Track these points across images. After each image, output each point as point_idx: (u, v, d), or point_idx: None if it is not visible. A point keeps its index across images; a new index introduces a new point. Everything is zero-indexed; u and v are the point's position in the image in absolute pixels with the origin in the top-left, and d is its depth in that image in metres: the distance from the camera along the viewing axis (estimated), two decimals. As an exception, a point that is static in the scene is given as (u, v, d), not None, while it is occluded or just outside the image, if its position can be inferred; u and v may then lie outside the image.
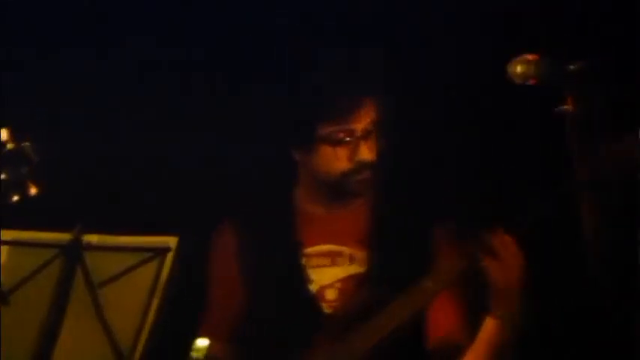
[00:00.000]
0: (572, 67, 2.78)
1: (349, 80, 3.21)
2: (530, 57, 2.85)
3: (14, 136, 2.94)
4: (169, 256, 3.24)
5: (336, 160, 3.24)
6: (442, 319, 3.26)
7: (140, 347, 3.31)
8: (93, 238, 3.25)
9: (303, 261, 3.33)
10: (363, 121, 3.21)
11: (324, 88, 3.19)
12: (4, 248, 3.21)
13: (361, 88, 3.22)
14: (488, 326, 3.10)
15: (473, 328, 3.20)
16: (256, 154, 3.62)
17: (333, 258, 3.37)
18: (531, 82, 2.85)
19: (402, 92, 3.42)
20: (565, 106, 2.76)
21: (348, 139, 3.22)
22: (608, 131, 2.86)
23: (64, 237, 3.23)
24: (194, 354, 3.28)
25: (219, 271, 3.45)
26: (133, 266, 3.29)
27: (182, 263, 3.12)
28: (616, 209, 2.76)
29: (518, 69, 2.85)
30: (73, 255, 3.22)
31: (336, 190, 3.29)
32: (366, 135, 3.22)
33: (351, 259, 3.33)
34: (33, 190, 2.99)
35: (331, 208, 3.36)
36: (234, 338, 3.42)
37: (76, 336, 3.32)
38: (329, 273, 3.35)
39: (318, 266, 3.36)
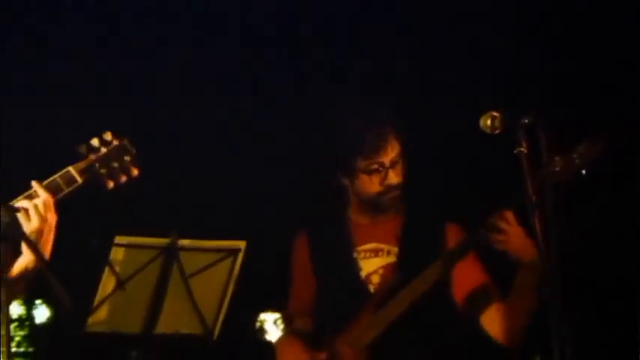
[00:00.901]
0: (526, 119, 3.42)
1: (377, 125, 3.96)
2: (495, 113, 3.50)
3: (115, 135, 3.49)
4: (240, 255, 4.09)
5: (371, 184, 3.97)
6: (467, 278, 3.93)
7: (220, 320, 4.17)
8: (185, 242, 4.09)
9: (355, 255, 4.05)
10: (389, 155, 3.94)
11: (359, 132, 3.93)
12: (121, 249, 4.03)
13: (386, 131, 3.96)
14: (521, 273, 3.78)
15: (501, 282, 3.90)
16: (322, 180, 4.27)
17: (376, 252, 4.07)
18: (497, 131, 3.48)
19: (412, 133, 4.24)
20: (520, 149, 3.40)
21: (379, 169, 3.95)
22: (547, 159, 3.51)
23: (164, 241, 4.07)
24: (258, 324, 4.09)
25: (298, 264, 4.16)
26: (213, 262, 4.12)
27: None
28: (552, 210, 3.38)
29: (488, 122, 3.50)
30: (171, 254, 4.06)
31: (374, 205, 4.03)
32: (392, 165, 3.95)
33: (388, 253, 4.05)
34: (135, 172, 3.50)
35: (373, 218, 4.08)
36: (311, 313, 4.10)
37: (174, 312, 4.17)
38: (373, 263, 4.06)
39: (366, 258, 4.07)
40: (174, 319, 4.26)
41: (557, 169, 3.66)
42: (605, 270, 5.05)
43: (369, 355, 3.88)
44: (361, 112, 4.01)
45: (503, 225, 3.74)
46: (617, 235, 4.95)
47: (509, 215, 3.74)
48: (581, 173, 3.74)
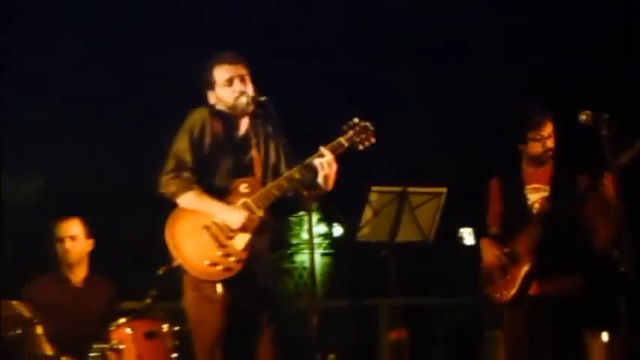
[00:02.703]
0: (606, 115, 5.02)
1: (538, 112, 5.80)
2: (588, 111, 5.08)
3: (361, 119, 4.88)
4: (443, 196, 6.16)
5: (535, 148, 5.78)
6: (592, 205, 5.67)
7: (433, 232, 6.16)
8: (411, 189, 6.12)
9: (526, 191, 5.85)
10: (547, 130, 5.76)
11: (528, 116, 5.79)
12: (375, 193, 6.07)
13: (544, 116, 5.78)
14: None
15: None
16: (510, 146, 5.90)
17: (537, 189, 5.84)
18: (589, 122, 5.05)
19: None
20: (603, 132, 5.01)
21: (540, 139, 5.76)
22: (620, 141, 5.05)
23: (399, 188, 6.12)
24: (458, 234, 6.19)
25: (493, 195, 5.93)
26: (428, 200, 6.17)
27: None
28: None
29: (584, 117, 5.10)
30: (403, 196, 6.12)
31: (537, 161, 5.81)
32: (549, 137, 5.76)
33: (545, 190, 5.83)
34: (373, 140, 4.85)
35: (537, 169, 5.83)
36: (501, 224, 5.90)
37: (406, 228, 6.14)
38: (535, 196, 5.86)
39: (531, 193, 5.86)
40: (407, 232, 6.17)
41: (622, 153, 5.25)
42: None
43: (533, 252, 5.70)
44: (530, 105, 5.91)
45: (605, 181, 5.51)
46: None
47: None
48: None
